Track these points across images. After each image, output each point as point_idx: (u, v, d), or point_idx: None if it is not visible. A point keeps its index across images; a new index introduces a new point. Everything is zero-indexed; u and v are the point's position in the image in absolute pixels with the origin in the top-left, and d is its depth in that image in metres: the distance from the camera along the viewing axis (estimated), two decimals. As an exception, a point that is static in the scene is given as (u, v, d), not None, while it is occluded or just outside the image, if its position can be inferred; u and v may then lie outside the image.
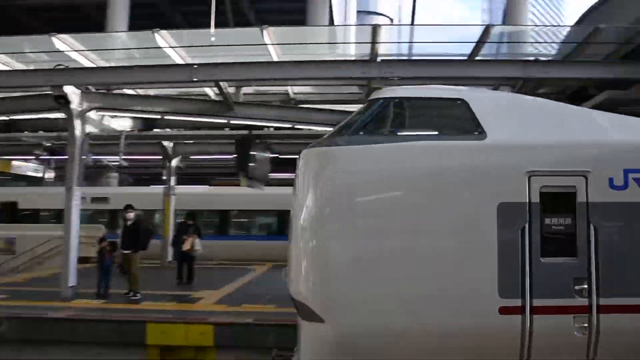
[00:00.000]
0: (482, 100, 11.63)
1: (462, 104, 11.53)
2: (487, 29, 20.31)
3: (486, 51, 21.11)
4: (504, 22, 55.81)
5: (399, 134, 11.48)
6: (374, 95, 12.09)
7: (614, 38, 21.65)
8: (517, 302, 10.55)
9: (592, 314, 10.55)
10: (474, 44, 20.27)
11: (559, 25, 76.59)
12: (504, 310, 10.56)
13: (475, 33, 20.29)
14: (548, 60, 21.66)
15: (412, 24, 20.22)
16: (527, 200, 10.79)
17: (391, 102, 11.76)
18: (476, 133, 11.17)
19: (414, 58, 20.49)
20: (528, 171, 10.89)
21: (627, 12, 22.95)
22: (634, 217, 10.72)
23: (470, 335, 10.54)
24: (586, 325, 10.57)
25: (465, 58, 20.39)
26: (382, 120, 11.69)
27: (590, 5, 25.99)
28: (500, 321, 10.54)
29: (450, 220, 10.75)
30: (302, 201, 11.37)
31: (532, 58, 21.49)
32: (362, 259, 10.83)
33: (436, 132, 11.36)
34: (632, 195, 10.76)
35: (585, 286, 10.60)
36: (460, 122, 11.41)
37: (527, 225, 10.75)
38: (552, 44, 24.14)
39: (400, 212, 10.91)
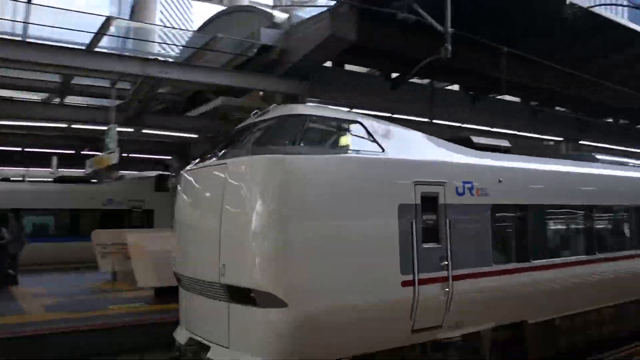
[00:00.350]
0: (372, 124, 15.07)
1: (360, 125, 14.87)
2: (107, 20, 20.21)
3: (112, 44, 21.05)
4: (131, 18, 55.53)
5: (327, 147, 14.34)
6: (281, 112, 14.76)
7: (231, 48, 22.36)
8: (410, 277, 14.41)
9: (449, 282, 14.96)
10: (94, 34, 20.06)
11: (183, 29, 77.28)
12: (404, 284, 14.33)
13: (97, 23, 20.07)
14: (168, 61, 21.93)
15: (29, 1, 19.44)
16: (414, 202, 14.68)
17: (307, 119, 14.48)
18: (379, 150, 14.66)
19: (29, 40, 19.91)
20: (414, 181, 14.82)
21: (244, 26, 23.88)
22: (469, 214, 15.47)
23: (389, 302, 14.13)
24: (447, 289, 14.94)
25: (84, 48, 20.13)
26: (305, 134, 14.22)
27: (214, 14, 26.67)
28: (403, 292, 14.31)
29: (372, 217, 14.02)
30: (249, 204, 13.45)
31: (152, 57, 21.64)
32: (315, 253, 13.48)
33: (355, 147, 14.51)
34: (467, 199, 15.52)
35: (446, 262, 14.99)
36: (363, 140, 14.70)
37: (414, 220, 14.60)
38: (174, 46, 24.42)
39: (342, 212, 13.87)
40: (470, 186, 15.80)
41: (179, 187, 15.78)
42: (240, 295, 13.61)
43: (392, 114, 26.83)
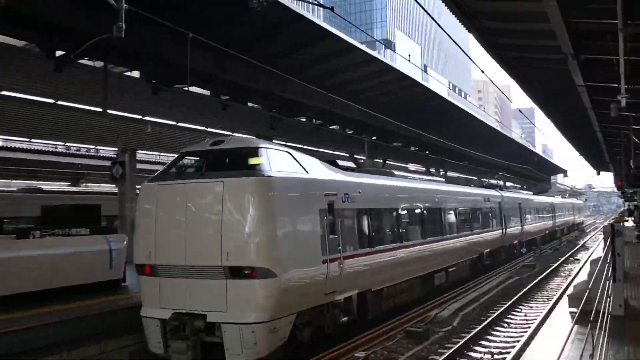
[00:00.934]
0: (296, 154, 22.56)
1: (289, 155, 22.19)
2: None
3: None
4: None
5: (282, 170, 21.29)
6: (245, 144, 21.86)
7: None
8: (325, 257, 21.45)
9: (342, 260, 22.29)
10: None
11: None
12: (323, 262, 21.45)
13: None
14: None
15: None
16: (325, 207, 21.98)
17: (264, 150, 21.47)
18: (305, 172, 21.99)
19: None
20: (324, 193, 22.28)
21: None
22: (347, 215, 23.04)
23: (318, 273, 21.22)
24: (341, 265, 22.25)
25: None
26: (268, 161, 21.14)
27: None
28: (323, 267, 21.44)
29: (308, 216, 21.31)
30: (247, 209, 20.19)
31: None
32: (287, 240, 20.51)
33: (293, 170, 21.68)
34: (346, 205, 23.16)
35: (340, 247, 22.29)
36: (295, 165, 21.99)
37: (325, 219, 21.73)
38: None
39: (296, 213, 20.98)
40: (347, 196, 23.58)
41: (150, 197, 21.64)
42: (239, 273, 20.22)
43: (57, 100, 23.99)
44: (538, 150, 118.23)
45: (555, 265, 43.22)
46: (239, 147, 21.80)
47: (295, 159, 22.52)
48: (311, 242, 21.81)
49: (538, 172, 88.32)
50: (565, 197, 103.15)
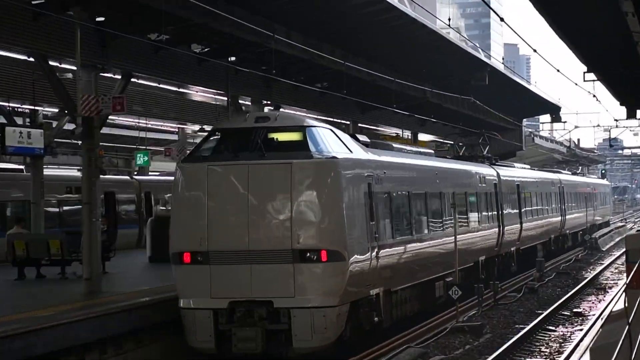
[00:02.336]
0: (339, 132, 22.98)
1: (331, 131, 22.48)
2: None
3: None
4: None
5: (341, 149, 21.75)
6: (299, 122, 21.90)
7: None
8: (369, 245, 21.90)
9: (377, 249, 22.53)
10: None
11: None
12: (367, 250, 21.96)
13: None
14: None
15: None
16: (367, 191, 22.43)
17: (308, 129, 21.45)
18: (349, 151, 22.41)
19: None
20: (366, 174, 22.67)
21: None
22: (384, 200, 23.73)
23: (366, 263, 21.72)
24: (377, 256, 22.53)
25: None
26: (328, 141, 21.57)
27: None
28: (368, 256, 21.85)
29: (360, 202, 21.89)
30: (318, 191, 20.42)
31: None
32: (351, 226, 20.81)
33: (341, 149, 21.93)
34: (380, 187, 23.45)
35: (377, 235, 22.67)
36: (339, 143, 22.18)
37: (367, 203, 22.28)
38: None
39: (354, 197, 21.34)
40: (380, 177, 23.17)
41: (196, 180, 20.55)
42: (310, 256, 20.09)
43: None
44: (495, 55, 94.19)
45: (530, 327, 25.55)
46: (290, 125, 21.52)
47: (337, 135, 22.26)
48: (362, 227, 21.55)
49: (493, 109, 52.25)
50: (573, 173, 79.59)
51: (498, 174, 38.60)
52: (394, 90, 38.73)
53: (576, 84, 37.94)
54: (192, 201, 20.63)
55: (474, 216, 33.42)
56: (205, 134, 24.82)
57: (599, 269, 45.48)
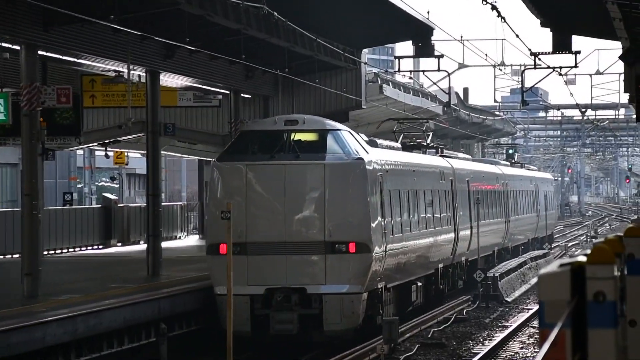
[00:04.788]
0: (356, 134, 26.58)
1: (350, 133, 26.61)
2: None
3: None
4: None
5: (356, 150, 25.80)
6: (324, 126, 26.01)
7: None
8: (383, 238, 26.63)
9: (386, 244, 26.56)
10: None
11: None
12: (382, 243, 26.72)
13: None
14: None
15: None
16: (379, 188, 26.56)
17: (333, 132, 25.76)
18: (366, 152, 26.24)
19: None
20: (379, 173, 26.42)
21: None
22: (392, 195, 28.17)
23: (379, 256, 25.86)
24: (386, 250, 26.35)
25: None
26: (352, 142, 26.07)
27: None
28: (382, 250, 26.47)
29: (376, 198, 26.34)
30: (349, 189, 24.57)
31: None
32: (376, 224, 24.84)
33: (360, 150, 26.11)
34: (388, 186, 27.90)
35: (385, 231, 26.65)
36: (357, 144, 26.62)
37: (380, 199, 26.57)
38: None
39: (374, 194, 25.64)
40: (385, 174, 28.00)
41: (235, 178, 24.62)
42: (340, 248, 24.31)
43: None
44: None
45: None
46: (318, 128, 25.91)
47: (355, 137, 26.44)
48: (379, 223, 25.93)
49: (306, 31, 32.34)
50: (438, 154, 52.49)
51: (452, 167, 36.66)
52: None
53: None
54: (230, 197, 24.05)
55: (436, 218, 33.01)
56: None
57: (498, 337, 28.49)
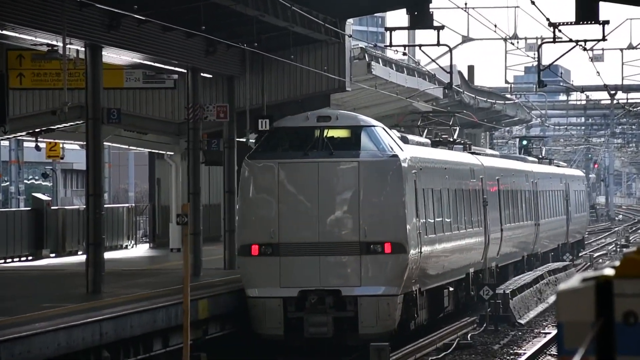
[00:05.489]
0: (387, 130, 29.97)
1: (383, 129, 29.69)
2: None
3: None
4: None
5: (391, 147, 29.39)
6: (358, 122, 29.79)
7: None
8: (418, 239, 30.43)
9: (421, 245, 30.33)
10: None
11: None
12: (417, 244, 30.50)
13: None
14: None
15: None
16: (414, 187, 30.01)
17: (367, 129, 29.50)
18: (400, 149, 29.65)
19: None
20: (413, 171, 29.84)
21: None
22: (427, 195, 32.51)
23: (415, 257, 29.76)
24: (421, 252, 30.43)
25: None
26: (386, 138, 29.39)
27: None
28: (417, 251, 30.06)
29: (412, 197, 30.09)
30: (384, 188, 27.73)
31: None
32: (412, 224, 27.94)
33: (395, 146, 29.68)
34: (423, 185, 32.22)
35: (419, 232, 30.40)
36: (391, 140, 30.20)
37: (416, 198, 30.25)
38: None
39: (410, 193, 27.87)
40: (420, 172, 32.14)
41: (267, 176, 28.07)
42: (375, 248, 27.36)
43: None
44: None
45: None
46: (351, 124, 29.45)
47: (388, 133, 29.98)
48: (414, 223, 29.08)
49: None
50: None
51: (482, 165, 40.97)
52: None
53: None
54: (262, 196, 28.38)
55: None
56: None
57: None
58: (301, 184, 28.33)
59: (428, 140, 38.07)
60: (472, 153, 42.79)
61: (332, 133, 28.94)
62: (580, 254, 66.72)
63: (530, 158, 58.41)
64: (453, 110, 50.35)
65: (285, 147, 29.04)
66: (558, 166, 68.36)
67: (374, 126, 29.50)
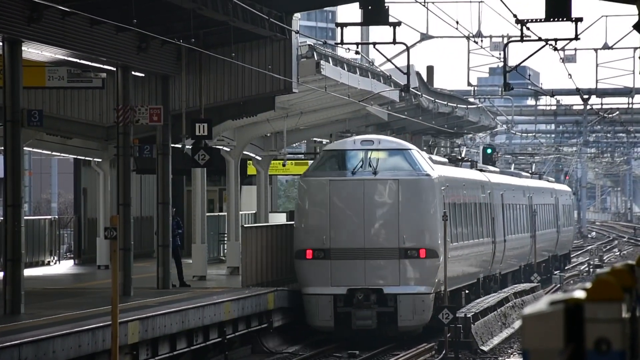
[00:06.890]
0: (418, 150, 43.91)
1: (417, 151, 42.82)
2: None
3: None
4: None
5: (424, 167, 41.91)
6: (398, 146, 43.20)
7: None
8: (444, 247, 41.53)
9: (446, 251, 41.38)
10: None
11: None
12: (441, 251, 42.04)
13: None
14: None
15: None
16: (442, 201, 41.17)
17: (407, 152, 42.12)
18: (432, 168, 42.60)
19: None
20: (442, 187, 41.99)
21: None
22: (451, 208, 44.43)
23: (440, 262, 41.62)
24: (444, 257, 41.17)
25: None
26: (421, 160, 42.04)
27: None
28: (441, 256, 41.45)
29: (439, 209, 42.58)
30: (420, 201, 40.09)
31: None
32: (441, 233, 40.27)
33: (428, 167, 42.50)
34: (451, 198, 45.25)
35: (444, 239, 43.12)
36: (425, 162, 42.71)
37: (443, 211, 41.64)
38: None
39: (439, 206, 41.03)
40: (448, 188, 43.96)
41: (321, 192, 39.13)
42: (412, 253, 38.23)
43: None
44: None
45: None
46: (392, 148, 40.87)
47: (422, 155, 40.59)
48: (442, 233, 38.84)
49: None
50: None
51: (489, 181, 54.05)
52: None
53: None
54: (315, 209, 39.54)
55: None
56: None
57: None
58: (349, 198, 39.47)
59: (446, 160, 49.66)
60: (480, 170, 56.47)
61: (374, 155, 40.06)
62: (566, 267, 76.20)
63: (524, 173, 71.55)
64: (410, 116, 62.63)
65: (334, 167, 40.48)
66: (548, 181, 79.92)
67: (409, 149, 41.05)
